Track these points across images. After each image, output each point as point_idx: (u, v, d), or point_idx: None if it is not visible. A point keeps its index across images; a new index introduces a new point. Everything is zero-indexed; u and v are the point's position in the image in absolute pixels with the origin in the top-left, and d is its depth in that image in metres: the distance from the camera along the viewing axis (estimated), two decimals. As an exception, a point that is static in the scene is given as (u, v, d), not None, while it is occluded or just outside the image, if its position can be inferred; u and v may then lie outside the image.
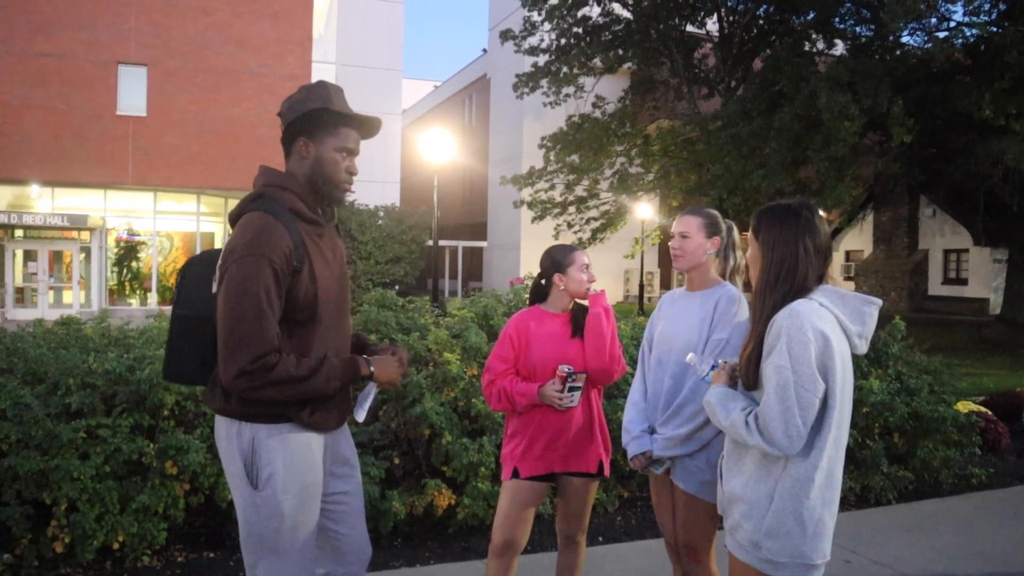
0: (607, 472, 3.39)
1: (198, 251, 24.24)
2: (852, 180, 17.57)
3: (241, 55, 22.77)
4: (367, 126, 2.57)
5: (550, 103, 25.79)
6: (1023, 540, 5.10)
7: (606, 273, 30.47)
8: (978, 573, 4.53)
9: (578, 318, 3.37)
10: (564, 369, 3.18)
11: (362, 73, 28.60)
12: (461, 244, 32.96)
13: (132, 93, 22.10)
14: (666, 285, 34.02)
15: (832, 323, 2.20)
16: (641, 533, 5.01)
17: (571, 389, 3.20)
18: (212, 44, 22.51)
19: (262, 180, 2.50)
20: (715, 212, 3.19)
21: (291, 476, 2.41)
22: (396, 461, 4.85)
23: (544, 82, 25.67)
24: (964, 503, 5.73)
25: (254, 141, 22.37)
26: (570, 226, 26.97)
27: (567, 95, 25.75)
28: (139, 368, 4.35)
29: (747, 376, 2.27)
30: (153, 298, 23.99)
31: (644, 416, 3.15)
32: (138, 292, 24.33)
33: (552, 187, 26.22)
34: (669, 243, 3.20)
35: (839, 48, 21.87)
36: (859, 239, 31.42)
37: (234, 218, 2.48)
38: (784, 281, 2.24)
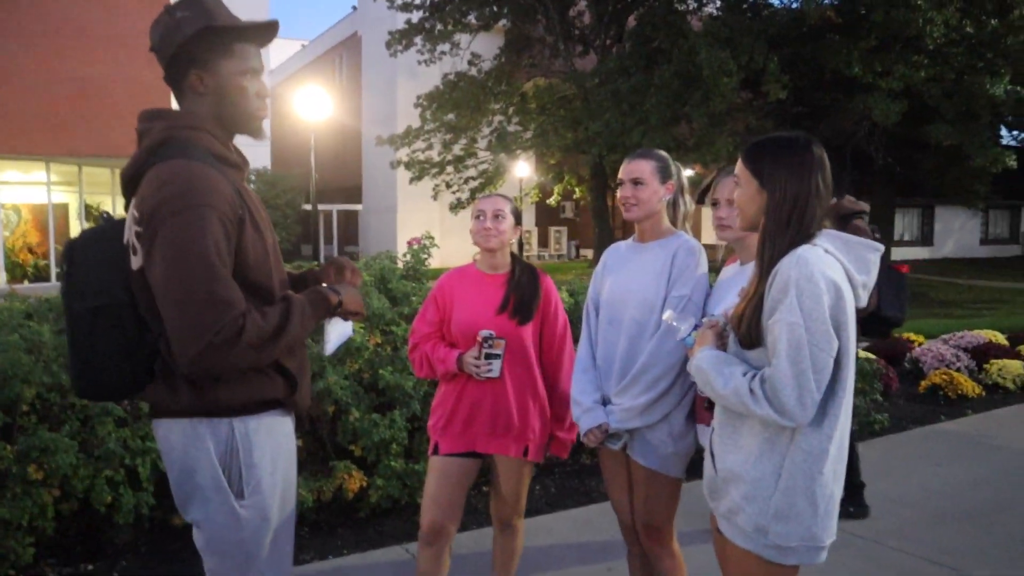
0: (534, 457, 3.05)
1: (50, 224, 22.54)
2: (729, 135, 17.87)
3: (93, 11, 20.90)
4: (264, 33, 2.06)
5: (424, 61, 25.18)
6: (934, 484, 5.17)
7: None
8: (895, 519, 4.53)
9: (520, 283, 3.01)
10: (482, 334, 2.87)
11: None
12: (336, 208, 31.94)
13: (-39, 51, 19.96)
14: (543, 244, 34.13)
15: (840, 272, 1.94)
16: (563, 503, 4.77)
17: (488, 356, 2.87)
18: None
19: (161, 124, 1.97)
20: (665, 154, 2.89)
21: (277, 475, 2.03)
22: (299, 443, 4.40)
23: (418, 39, 25.01)
24: (870, 450, 5.78)
25: (109, 103, 20.66)
26: (448, 186, 26.58)
27: (442, 53, 25.21)
28: (-12, 358, 3.72)
29: (748, 334, 1.97)
30: (1, 276, 22.02)
31: (595, 385, 2.83)
32: (-17, 271, 22.29)
33: (430, 147, 25.71)
34: (618, 191, 2.86)
35: (710, 7, 22.15)
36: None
37: (131, 176, 1.97)
38: (795, 224, 1.95)
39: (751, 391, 1.91)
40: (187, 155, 1.90)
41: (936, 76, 17.04)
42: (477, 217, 3.00)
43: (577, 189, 28.63)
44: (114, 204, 24.26)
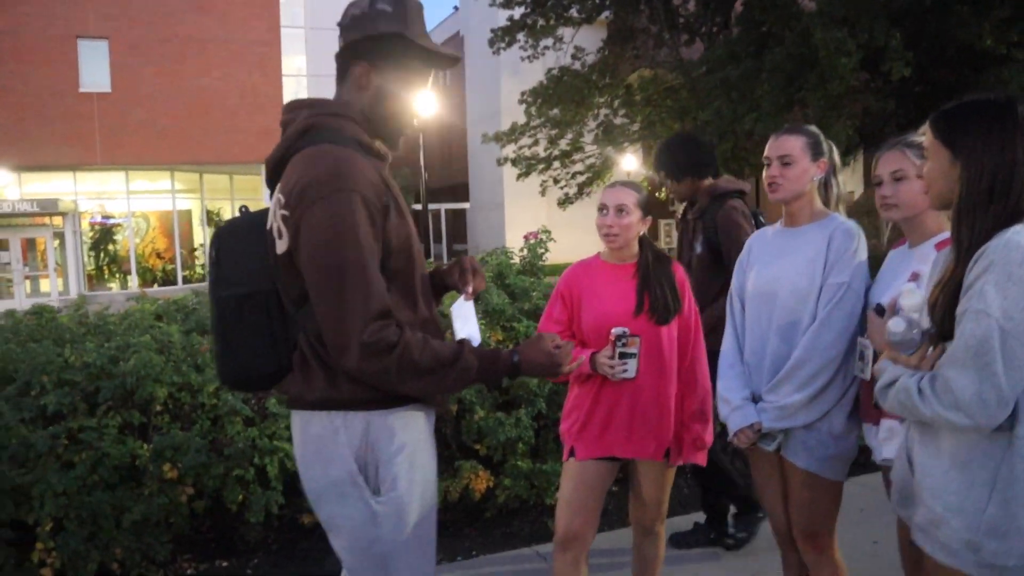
0: (676, 460, 2.86)
1: (175, 230, 23.67)
2: (848, 119, 17.04)
3: (206, 22, 21.82)
4: (443, 63, 2.05)
5: (528, 57, 25.09)
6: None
7: (593, 228, 29.75)
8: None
9: (650, 278, 2.80)
10: (615, 331, 2.65)
11: (333, 36, 27.58)
12: (444, 207, 32.32)
13: (94, 68, 21.15)
14: (653, 237, 33.59)
15: None
16: (697, 504, 4.53)
17: (623, 356, 2.66)
18: (174, 12, 21.53)
19: (306, 112, 1.95)
20: (817, 130, 2.64)
21: (416, 472, 1.95)
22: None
23: (520, 36, 24.94)
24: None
25: (226, 112, 21.57)
26: (556, 181, 26.46)
27: (545, 48, 25.07)
28: (123, 358, 3.79)
29: (943, 325, 1.73)
30: (134, 281, 23.23)
31: (744, 381, 2.61)
32: (118, 276, 23.58)
33: (535, 142, 25.64)
34: (765, 171, 2.63)
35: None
36: (850, 180, 31.01)
37: (276, 162, 1.96)
38: (998, 200, 1.69)
39: (919, 389, 1.68)
40: (333, 140, 1.87)
41: (1080, 45, 15.77)
42: (600, 211, 2.80)
43: (687, 181, 28.03)
44: (232, 209, 25.27)
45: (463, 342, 1.93)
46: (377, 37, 1.92)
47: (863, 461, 2.65)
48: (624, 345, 2.65)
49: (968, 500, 1.70)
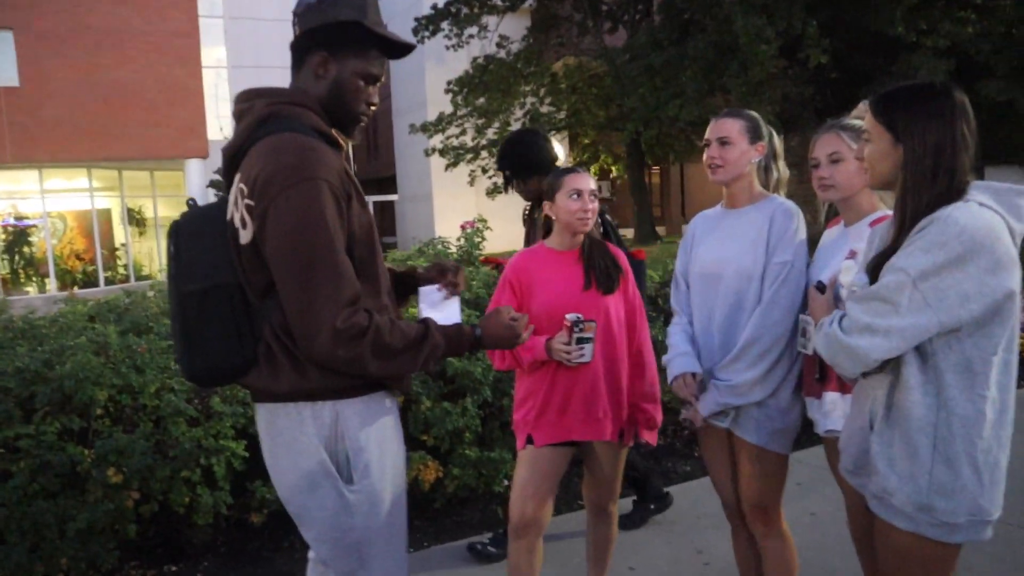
0: (631, 438, 2.94)
1: (95, 230, 22.85)
2: (768, 104, 17.48)
3: (121, 12, 20.96)
4: (399, 50, 2.07)
5: (452, 46, 25.00)
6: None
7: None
8: None
9: (592, 255, 2.86)
10: (570, 317, 2.69)
11: (252, 25, 27.03)
12: (372, 199, 31.92)
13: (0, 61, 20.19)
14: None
15: (1001, 225, 1.77)
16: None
17: (580, 341, 2.70)
18: (85, 2, 20.68)
19: (264, 100, 1.94)
20: (756, 114, 2.72)
21: (386, 459, 1.97)
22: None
23: (445, 24, 24.83)
24: None
25: (144, 106, 20.82)
26: (484, 171, 26.45)
27: (470, 36, 25.01)
28: (59, 362, 3.68)
29: None
30: (52, 284, 22.33)
31: (691, 339, 2.71)
32: (35, 279, 22.60)
33: (463, 132, 25.60)
34: (704, 152, 2.71)
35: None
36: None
37: (235, 152, 1.94)
38: (941, 178, 1.80)
39: (831, 322, 1.88)
40: (294, 129, 1.87)
41: (984, 31, 16.47)
42: (572, 196, 2.79)
43: (613, 168, 28.35)
44: (155, 207, 24.54)
45: (427, 320, 1.96)
46: (335, 25, 1.93)
47: (798, 437, 2.76)
48: (581, 330, 2.69)
49: (915, 465, 1.81)
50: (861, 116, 2.41)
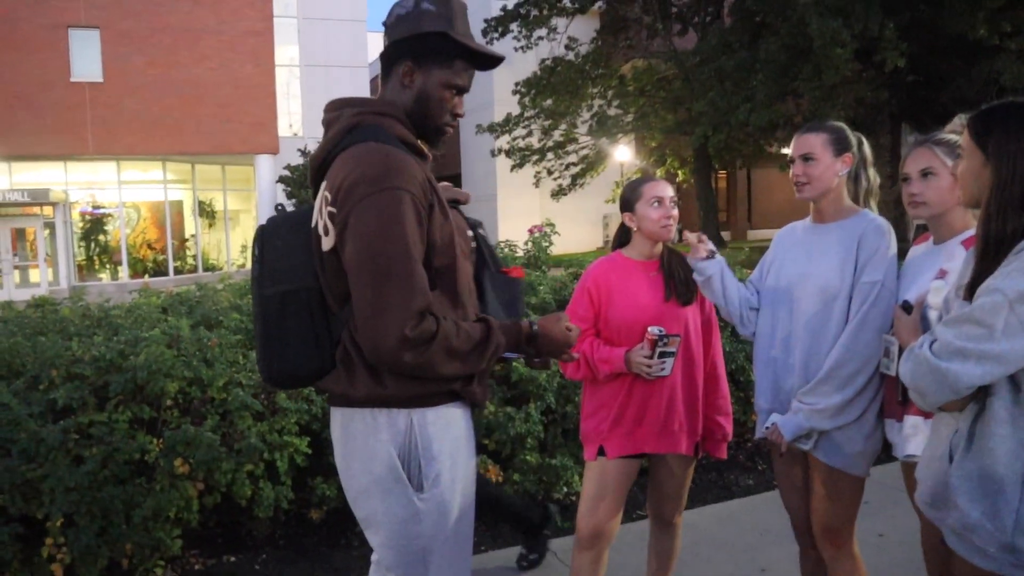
0: (722, 453, 2.90)
1: (167, 220, 23.53)
2: (842, 109, 17.07)
3: (198, 12, 21.63)
4: (487, 62, 2.07)
5: (521, 47, 25.07)
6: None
7: (585, 220, 29.90)
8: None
9: (672, 266, 2.82)
10: (654, 331, 2.63)
11: (325, 26, 27.50)
12: (446, 200, 32.17)
13: (86, 58, 20.93)
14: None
15: None
16: (703, 497, 4.55)
17: (662, 355, 2.65)
18: (166, 2, 21.33)
19: (352, 110, 1.96)
20: (841, 125, 2.62)
21: (457, 469, 1.97)
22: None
23: (514, 26, 24.94)
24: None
25: (218, 102, 21.41)
26: (549, 173, 26.47)
27: (539, 38, 25.06)
28: (133, 352, 3.76)
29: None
30: (124, 272, 23.10)
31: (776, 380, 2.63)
32: (108, 267, 23.41)
33: (529, 133, 25.63)
34: (790, 170, 2.62)
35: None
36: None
37: (322, 160, 1.97)
38: None
39: (921, 345, 1.74)
40: (379, 139, 1.88)
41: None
42: (653, 204, 2.75)
43: (680, 172, 28.02)
44: (225, 200, 25.16)
45: (487, 319, 1.95)
46: (421, 36, 1.94)
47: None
48: (665, 344, 2.64)
49: (1000, 502, 1.70)
50: (956, 130, 2.30)
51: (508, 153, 25.41)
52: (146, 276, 21.99)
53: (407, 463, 1.90)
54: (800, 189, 2.57)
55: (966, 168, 1.82)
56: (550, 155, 25.82)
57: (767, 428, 2.58)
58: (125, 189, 23.20)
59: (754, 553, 3.84)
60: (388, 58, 2.00)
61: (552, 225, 5.93)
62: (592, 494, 2.80)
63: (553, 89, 24.97)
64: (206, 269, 23.86)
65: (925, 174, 2.32)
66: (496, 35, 24.78)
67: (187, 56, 21.43)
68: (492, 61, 2.05)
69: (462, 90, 2.02)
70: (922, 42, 17.55)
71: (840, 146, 2.55)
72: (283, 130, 24.87)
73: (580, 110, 25.23)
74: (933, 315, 1.99)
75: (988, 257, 1.73)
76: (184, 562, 3.73)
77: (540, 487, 4.17)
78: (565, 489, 4.26)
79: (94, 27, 20.90)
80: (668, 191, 2.76)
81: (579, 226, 28.51)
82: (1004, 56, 15.68)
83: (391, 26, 1.98)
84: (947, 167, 2.27)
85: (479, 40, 2.06)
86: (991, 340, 1.65)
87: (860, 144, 2.63)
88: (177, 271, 23.58)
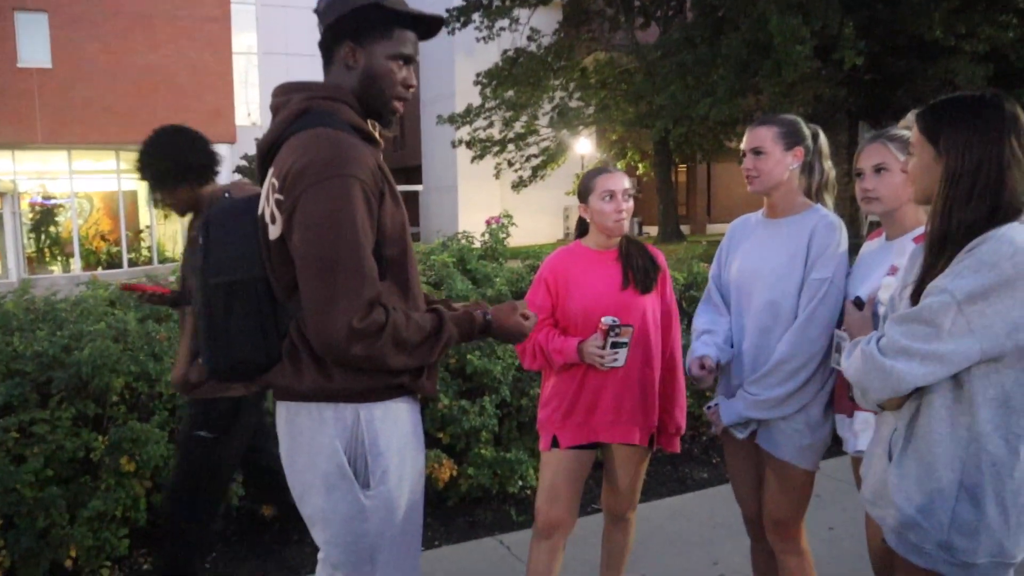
0: (674, 447, 2.90)
1: (121, 211, 23.04)
2: (800, 105, 17.28)
3: (151, -4, 21.18)
4: (427, 26, 2.01)
5: (483, 38, 24.98)
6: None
7: (546, 212, 29.93)
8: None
9: (630, 255, 2.80)
10: (606, 321, 2.62)
11: (283, 12, 27.15)
12: (396, 189, 32.04)
13: (34, 43, 20.33)
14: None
15: None
16: (657, 490, 4.57)
17: (615, 345, 2.63)
18: (119, -15, 20.86)
19: (301, 95, 1.91)
20: (794, 118, 2.62)
21: (405, 465, 1.93)
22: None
23: (476, 16, 24.82)
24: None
25: (174, 90, 20.98)
26: (510, 164, 26.44)
27: (501, 29, 24.97)
28: (77, 347, 3.66)
29: None
30: (77, 264, 22.58)
31: (725, 335, 2.63)
32: (60, 259, 22.86)
33: (490, 125, 25.57)
34: (741, 164, 2.63)
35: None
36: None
37: (269, 146, 1.92)
38: (987, 197, 1.69)
39: (867, 342, 1.76)
40: (329, 124, 1.83)
41: (1025, 36, 16.18)
42: (605, 198, 2.73)
43: (640, 165, 28.17)
44: (182, 190, 24.60)
45: (439, 311, 1.92)
46: (355, 12, 1.89)
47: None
48: (617, 335, 2.62)
49: (938, 501, 1.72)
50: (909, 127, 2.31)
51: (469, 144, 25.34)
52: (99, 268, 21.53)
53: (354, 459, 1.86)
54: (751, 182, 2.58)
55: (917, 163, 1.82)
56: (511, 146, 25.80)
57: (708, 408, 2.62)
58: (77, 179, 22.64)
59: (707, 547, 3.87)
60: (327, 44, 1.95)
61: (509, 216, 5.90)
62: (548, 484, 2.80)
63: (515, 80, 24.93)
64: (161, 261, 23.41)
65: (878, 170, 2.33)
66: (458, 25, 24.65)
67: (141, 42, 20.95)
68: (433, 25, 2.01)
69: (408, 59, 1.97)
70: (880, 41, 17.82)
71: (791, 140, 2.55)
72: (241, 119, 24.52)
73: (541, 102, 25.23)
74: (883, 311, 2.00)
75: (937, 252, 1.73)
76: (132, 562, 3.65)
77: (494, 481, 4.16)
78: (520, 483, 4.25)
79: (42, 11, 20.33)
80: (621, 184, 2.74)
81: (539, 218, 28.55)
82: (959, 57, 15.99)
83: (323, 12, 1.93)
84: (900, 163, 2.28)
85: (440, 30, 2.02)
86: (937, 340, 1.66)
87: (816, 137, 2.63)
88: (132, 263, 23.10)
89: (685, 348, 2.87)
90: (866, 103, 21.18)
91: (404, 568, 1.97)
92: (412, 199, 35.51)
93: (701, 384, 2.58)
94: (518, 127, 25.67)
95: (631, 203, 2.77)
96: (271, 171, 1.87)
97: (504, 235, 5.85)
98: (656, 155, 25.57)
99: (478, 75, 25.53)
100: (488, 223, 5.91)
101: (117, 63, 20.71)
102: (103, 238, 23.43)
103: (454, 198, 31.18)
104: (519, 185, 26.26)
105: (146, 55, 20.97)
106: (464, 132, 25.66)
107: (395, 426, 1.90)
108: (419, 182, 34.68)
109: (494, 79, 25.16)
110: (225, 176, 22.32)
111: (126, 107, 20.75)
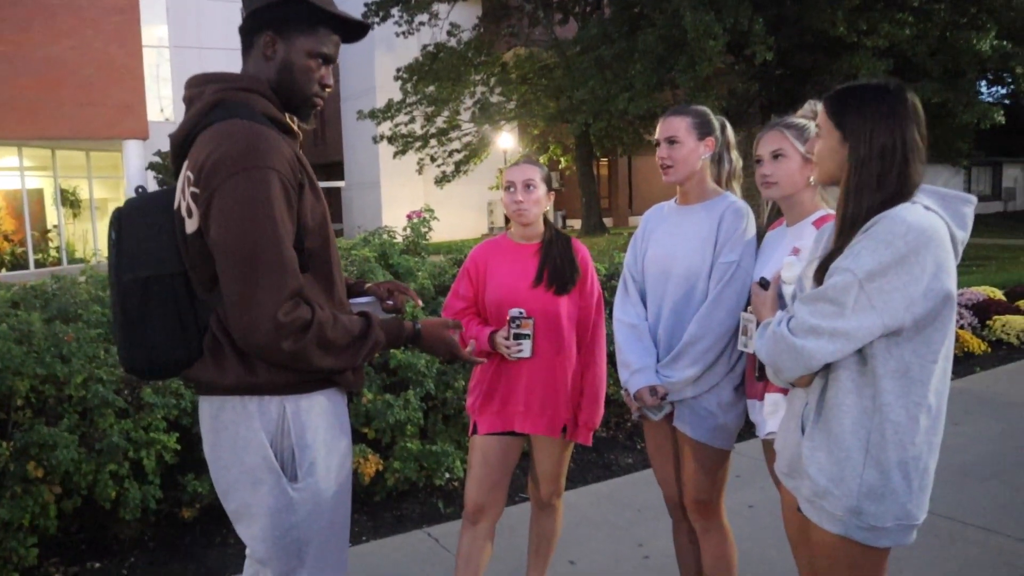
0: (572, 437, 2.88)
1: (25, 210, 22.05)
2: (715, 99, 17.70)
3: (53, -15, 20.27)
4: (352, 29, 1.98)
5: (403, 32, 24.79)
6: (956, 442, 5.05)
7: (470, 206, 29.90)
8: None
9: (551, 250, 2.82)
10: (512, 313, 2.69)
11: (197, 5, 26.36)
12: (316, 180, 31.53)
13: (-75, 35, 19.31)
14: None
15: (944, 231, 1.76)
16: (583, 478, 4.63)
17: (517, 336, 2.70)
18: (16, -26, 19.91)
19: (214, 86, 1.86)
20: (705, 109, 2.69)
21: (332, 458, 1.91)
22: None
23: (395, 10, 24.62)
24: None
25: (79, 84, 20.11)
26: (433, 159, 26.31)
27: (420, 23, 24.81)
28: (-22, 350, 3.49)
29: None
30: (-23, 266, 21.53)
31: (646, 346, 2.64)
32: (-41, 261, 21.79)
33: (412, 120, 25.39)
34: (656, 153, 2.68)
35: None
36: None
37: (183, 139, 1.86)
38: (884, 180, 1.77)
39: (778, 322, 1.84)
40: (244, 115, 1.79)
41: (921, 33, 16.92)
42: (507, 189, 2.79)
43: (562, 159, 28.39)
44: (91, 187, 23.79)
45: (368, 315, 1.91)
46: (279, 4, 1.86)
47: (740, 431, 2.76)
48: (518, 327, 2.69)
49: (846, 469, 1.80)
50: (807, 115, 2.40)
51: (390, 140, 25.11)
52: (3, 270, 20.57)
53: (280, 452, 1.83)
54: (666, 172, 2.63)
55: (823, 146, 1.89)
56: (433, 142, 25.67)
57: (624, 391, 2.67)
58: (-24, 177, 21.60)
59: (632, 530, 3.94)
60: (247, 30, 1.91)
61: (431, 211, 5.87)
62: (473, 471, 2.84)
63: (435, 75, 24.81)
64: (71, 262, 22.50)
65: (776, 156, 2.41)
66: (377, 19, 24.39)
67: (41, 33, 20.02)
68: (358, 30, 1.99)
69: (328, 59, 1.94)
70: (788, 38, 18.39)
71: (703, 130, 2.62)
72: (153, 115, 23.71)
73: (463, 97, 25.17)
74: (788, 290, 2.08)
75: (845, 234, 1.81)
76: (42, 572, 3.51)
77: (421, 474, 4.14)
78: (447, 475, 4.24)
79: (-67, 0, 19.30)
80: (522, 175, 2.77)
81: (463, 213, 28.49)
82: (862, 52, 16.66)
83: None
84: (797, 149, 2.36)
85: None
86: (842, 318, 1.73)
87: (723, 128, 2.71)
88: (39, 264, 22.13)
89: (609, 336, 2.90)
90: (777, 97, 21.84)
91: (332, 562, 1.95)
92: (334, 196, 34.99)
93: (656, 415, 2.61)
94: (440, 122, 25.56)
95: (536, 193, 2.78)
96: (186, 164, 1.82)
97: (426, 229, 5.82)
98: (577, 149, 25.81)
99: (398, 70, 25.33)
100: (409, 217, 5.87)
101: (15, 55, 19.73)
102: (7, 239, 22.39)
103: (377, 194, 30.84)
104: (442, 180, 26.15)
105: (47, 47, 20.05)
106: (385, 127, 25.41)
107: (322, 418, 1.88)
108: (341, 178, 34.19)
109: (414, 74, 24.99)
110: (138, 173, 21.60)
111: (27, 101, 19.82)
